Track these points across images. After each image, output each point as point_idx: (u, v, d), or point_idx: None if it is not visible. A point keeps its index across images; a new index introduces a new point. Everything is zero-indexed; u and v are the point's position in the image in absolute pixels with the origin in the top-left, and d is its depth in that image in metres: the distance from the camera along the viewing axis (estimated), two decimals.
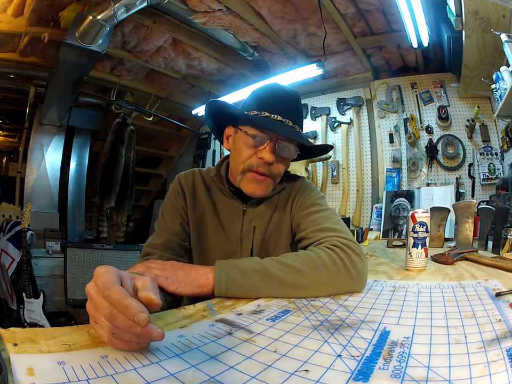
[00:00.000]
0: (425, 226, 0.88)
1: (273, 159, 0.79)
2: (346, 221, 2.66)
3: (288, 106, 0.81)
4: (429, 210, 0.91)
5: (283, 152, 0.80)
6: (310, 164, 2.91)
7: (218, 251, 0.87)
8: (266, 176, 0.81)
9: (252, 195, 0.84)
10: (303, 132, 0.86)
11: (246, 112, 0.81)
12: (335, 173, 2.88)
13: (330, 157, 2.88)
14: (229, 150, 0.89)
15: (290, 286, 0.63)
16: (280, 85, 0.85)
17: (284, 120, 0.79)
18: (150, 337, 0.38)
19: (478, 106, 2.37)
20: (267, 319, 0.52)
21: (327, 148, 0.99)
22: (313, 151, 0.96)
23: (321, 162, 2.94)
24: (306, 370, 0.35)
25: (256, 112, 0.79)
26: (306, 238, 0.79)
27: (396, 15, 2.09)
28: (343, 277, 0.65)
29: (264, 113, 0.78)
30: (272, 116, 0.78)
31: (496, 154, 2.35)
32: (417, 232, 0.88)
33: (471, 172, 2.41)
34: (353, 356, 0.38)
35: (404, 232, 2.15)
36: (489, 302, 0.56)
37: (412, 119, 2.59)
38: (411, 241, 0.89)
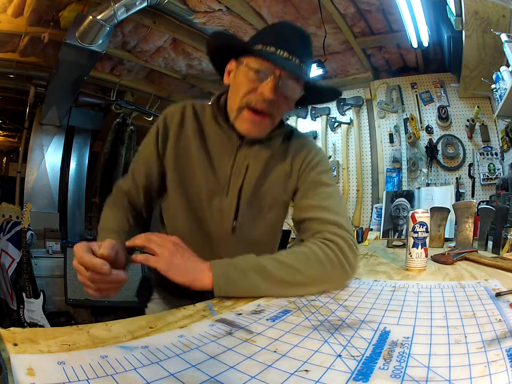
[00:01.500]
0: (425, 226, 0.88)
1: (274, 96, 0.72)
2: None
3: (297, 43, 0.75)
4: (429, 210, 0.91)
5: (286, 90, 0.73)
6: None
7: (203, 188, 0.81)
8: (264, 115, 0.75)
9: (246, 135, 0.78)
10: (309, 73, 0.80)
11: (251, 46, 0.76)
12: (335, 173, 2.88)
13: (330, 157, 2.88)
14: (227, 86, 0.83)
15: (289, 285, 0.63)
16: (291, 23, 0.80)
17: (290, 57, 0.72)
18: (119, 280, 0.60)
19: (478, 106, 2.37)
20: (267, 319, 0.52)
21: (335, 94, 0.90)
22: (319, 96, 0.88)
23: None
24: (306, 370, 0.35)
25: (262, 47, 0.73)
26: (309, 219, 0.76)
27: (396, 15, 2.09)
28: (338, 273, 0.68)
29: (270, 48, 0.72)
30: (278, 51, 0.72)
31: (496, 154, 2.35)
32: (417, 232, 0.88)
33: (471, 172, 2.41)
34: (353, 356, 0.38)
35: (404, 232, 2.15)
36: (489, 302, 0.56)
37: (412, 119, 2.59)
38: (411, 241, 0.89)
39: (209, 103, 0.85)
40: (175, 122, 0.83)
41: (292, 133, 0.88)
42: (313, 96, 0.84)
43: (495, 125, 2.36)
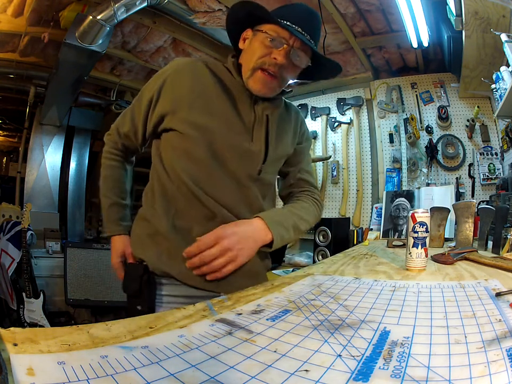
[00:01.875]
0: (425, 226, 0.88)
1: (286, 61, 0.82)
2: (346, 221, 2.66)
3: (310, 22, 0.85)
4: (429, 210, 0.91)
5: (296, 59, 0.83)
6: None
7: (228, 131, 0.85)
8: (275, 77, 0.84)
9: (258, 93, 0.86)
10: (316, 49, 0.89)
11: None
12: (335, 173, 2.88)
13: (330, 157, 2.88)
14: (240, 50, 0.90)
15: (301, 232, 0.93)
16: (305, 4, 0.89)
17: (303, 32, 0.82)
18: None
19: (478, 106, 2.37)
20: (267, 319, 0.52)
21: (336, 69, 0.95)
22: (320, 71, 0.95)
23: (321, 162, 2.94)
24: (306, 370, 0.35)
25: (279, 20, 0.82)
26: (300, 179, 1.02)
27: (396, 15, 2.09)
28: (317, 220, 1.02)
29: (287, 22, 0.81)
30: (294, 26, 0.81)
31: (496, 154, 2.35)
32: (417, 232, 0.88)
33: (471, 171, 2.41)
34: (353, 356, 0.38)
35: (404, 232, 2.15)
36: (489, 302, 0.56)
37: (412, 119, 2.59)
38: (411, 241, 0.89)
39: (229, 56, 0.93)
40: (187, 75, 0.86)
41: (290, 104, 1.04)
42: (316, 70, 0.93)
43: (495, 125, 2.36)
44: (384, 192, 2.42)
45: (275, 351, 0.40)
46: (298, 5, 0.87)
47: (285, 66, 0.83)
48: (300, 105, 3.05)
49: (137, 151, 1.01)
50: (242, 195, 0.87)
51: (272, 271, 2.22)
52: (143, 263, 0.86)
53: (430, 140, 2.52)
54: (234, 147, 0.85)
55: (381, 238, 2.23)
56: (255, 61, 0.83)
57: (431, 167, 2.52)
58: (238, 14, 0.87)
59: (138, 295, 0.82)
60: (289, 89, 0.99)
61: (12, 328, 0.41)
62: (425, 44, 2.25)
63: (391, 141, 2.69)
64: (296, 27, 0.81)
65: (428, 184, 2.47)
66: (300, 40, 0.81)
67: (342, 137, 2.87)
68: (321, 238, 2.41)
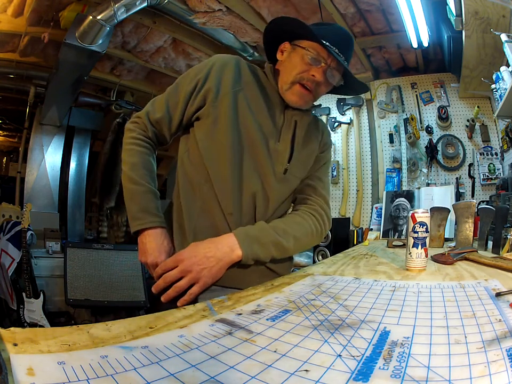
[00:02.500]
0: (425, 226, 0.88)
1: (322, 79, 0.88)
2: (346, 221, 2.66)
3: (346, 45, 0.90)
4: (429, 210, 0.91)
5: (331, 77, 0.89)
6: None
7: (259, 130, 0.89)
8: (310, 92, 0.90)
9: (294, 105, 0.92)
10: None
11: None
12: (335, 173, 2.88)
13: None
14: (274, 59, 0.96)
15: (290, 252, 0.89)
16: (342, 26, 0.98)
17: (339, 54, 0.87)
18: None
19: (478, 106, 2.37)
20: (267, 319, 0.52)
21: (362, 89, 1.09)
22: (349, 89, 1.03)
23: None
24: (306, 370, 0.35)
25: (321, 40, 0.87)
26: (307, 185, 0.97)
27: (396, 15, 2.09)
28: (317, 241, 0.98)
29: (325, 42, 0.85)
30: (332, 47, 0.86)
31: (496, 154, 2.35)
32: (417, 232, 0.88)
33: (471, 172, 2.41)
34: (353, 356, 0.38)
35: (404, 232, 2.15)
36: (489, 302, 0.56)
37: (412, 119, 2.59)
38: (411, 241, 0.89)
39: (267, 63, 0.98)
40: (231, 69, 0.90)
41: (319, 119, 1.09)
42: (344, 86, 0.98)
43: (495, 125, 2.36)
44: (384, 192, 2.43)
45: (275, 351, 0.40)
46: (337, 27, 0.95)
47: (321, 83, 0.89)
48: None
49: (166, 142, 0.97)
50: (267, 194, 0.89)
51: None
52: None
53: (430, 140, 2.52)
54: (262, 143, 0.89)
55: (381, 238, 2.23)
56: (294, 75, 0.88)
57: (431, 167, 2.52)
58: (281, 28, 0.92)
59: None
60: (318, 103, 1.03)
61: (12, 328, 0.41)
62: (425, 44, 2.25)
63: (391, 141, 2.69)
64: (334, 48, 0.86)
65: (427, 184, 2.47)
66: (337, 60, 0.86)
67: (342, 137, 2.87)
68: None
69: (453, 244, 1.54)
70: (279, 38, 0.94)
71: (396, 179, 2.64)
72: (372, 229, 2.49)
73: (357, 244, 2.35)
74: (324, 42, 0.85)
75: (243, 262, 0.79)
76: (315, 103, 0.99)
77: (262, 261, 0.83)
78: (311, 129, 1.00)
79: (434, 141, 2.53)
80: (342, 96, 2.92)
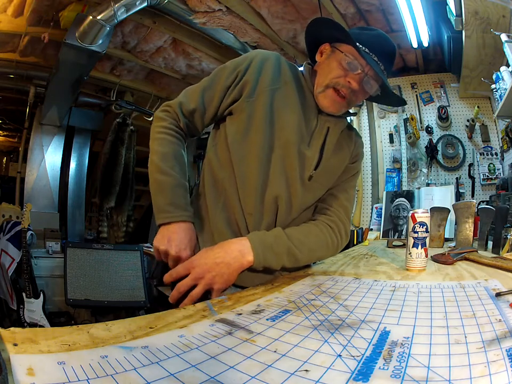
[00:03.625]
0: (425, 226, 0.88)
1: (358, 87, 0.84)
2: None
3: (386, 52, 0.87)
4: (429, 211, 0.91)
5: (367, 86, 0.85)
6: None
7: (294, 133, 0.86)
8: (344, 98, 0.86)
9: (325, 109, 0.88)
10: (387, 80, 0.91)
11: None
12: None
13: None
14: (314, 59, 0.93)
15: (302, 263, 0.86)
16: (384, 33, 0.91)
17: (379, 62, 0.84)
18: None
19: (478, 106, 2.37)
20: (267, 319, 0.52)
21: (400, 103, 1.08)
22: (387, 99, 1.03)
23: None
24: (306, 370, 0.35)
25: (360, 46, 0.83)
26: (328, 207, 0.92)
27: (396, 15, 2.09)
28: (333, 254, 0.94)
29: (365, 49, 0.83)
30: (371, 54, 0.83)
31: (496, 154, 2.35)
32: (417, 232, 0.88)
33: (471, 172, 2.41)
34: (353, 356, 0.38)
35: (404, 232, 2.15)
36: (489, 302, 0.56)
37: (412, 119, 2.59)
38: (411, 241, 0.89)
39: (306, 64, 0.95)
40: (271, 65, 0.88)
41: (355, 129, 1.04)
42: (383, 98, 0.97)
43: (495, 125, 2.36)
44: (384, 192, 2.43)
45: (275, 351, 0.40)
46: (378, 33, 0.90)
47: (356, 91, 0.85)
48: None
49: (198, 134, 0.94)
50: (291, 198, 0.86)
51: None
52: None
53: (430, 140, 2.52)
54: (293, 146, 0.86)
55: (381, 238, 2.23)
56: (330, 79, 0.85)
57: (431, 167, 2.52)
58: (321, 29, 0.90)
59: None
60: (354, 112, 1.00)
61: (11, 328, 0.41)
62: (425, 44, 2.25)
63: (391, 141, 2.69)
64: (373, 55, 0.83)
65: (427, 184, 2.47)
66: (374, 69, 0.83)
67: None
68: None
69: (453, 244, 1.54)
70: (320, 39, 0.91)
71: (395, 179, 2.64)
72: (372, 229, 2.49)
73: (357, 244, 2.35)
74: (361, 47, 0.82)
75: (253, 267, 0.77)
76: (351, 110, 0.96)
77: (272, 269, 0.81)
78: (344, 137, 0.95)
79: (434, 141, 2.53)
80: None
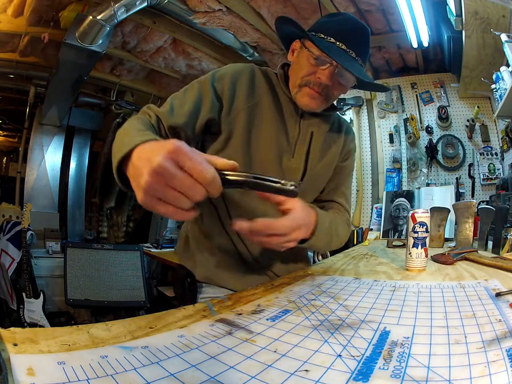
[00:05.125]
0: (425, 226, 0.88)
1: (330, 82, 0.80)
2: None
3: (356, 37, 0.81)
4: (429, 211, 0.91)
5: (341, 78, 0.81)
6: None
7: (273, 145, 0.84)
8: (321, 94, 0.82)
9: (306, 107, 0.85)
10: (364, 65, 0.84)
11: (313, 34, 0.81)
12: None
13: None
14: (289, 62, 0.90)
15: (331, 246, 0.87)
16: (353, 16, 0.85)
17: (348, 50, 0.79)
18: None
19: (478, 106, 2.37)
20: (267, 319, 0.52)
21: (381, 87, 1.06)
22: (369, 86, 0.99)
23: None
24: (306, 370, 0.35)
25: (323, 36, 0.79)
26: (332, 201, 0.94)
27: (396, 15, 2.09)
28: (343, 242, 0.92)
29: (330, 39, 0.78)
30: (338, 43, 0.78)
31: (496, 154, 2.35)
32: (417, 232, 0.88)
33: (471, 172, 2.41)
34: (353, 356, 0.38)
35: (404, 232, 2.15)
36: (489, 302, 0.56)
37: (412, 119, 2.59)
38: (411, 241, 0.89)
39: (279, 71, 0.91)
40: (245, 80, 0.84)
41: (344, 120, 1.00)
42: (365, 86, 0.94)
43: (495, 125, 2.36)
44: (384, 192, 2.43)
45: (275, 351, 0.40)
46: (344, 18, 0.84)
47: (330, 86, 0.81)
48: None
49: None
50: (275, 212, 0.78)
51: None
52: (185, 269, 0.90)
53: (430, 140, 2.52)
54: (275, 162, 0.84)
55: (381, 238, 2.23)
56: (301, 78, 0.82)
57: (431, 167, 2.52)
58: (282, 29, 0.86)
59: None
60: (339, 107, 0.96)
61: (11, 328, 0.41)
62: (425, 44, 2.25)
63: (391, 141, 2.69)
64: (340, 44, 0.78)
65: (427, 184, 2.46)
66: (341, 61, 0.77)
67: None
68: None
69: (453, 244, 1.54)
70: (293, 37, 0.87)
71: (395, 179, 2.64)
72: (372, 229, 2.49)
73: (357, 244, 2.35)
74: (326, 37, 0.77)
75: (306, 244, 0.73)
76: (336, 105, 0.94)
77: (311, 249, 0.84)
78: (331, 136, 0.93)
79: (434, 141, 2.52)
80: (342, 96, 2.91)
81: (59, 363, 0.35)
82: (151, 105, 0.78)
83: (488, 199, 2.18)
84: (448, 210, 1.61)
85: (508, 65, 1.70)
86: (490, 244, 1.32)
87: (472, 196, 2.38)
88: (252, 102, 0.84)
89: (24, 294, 2.35)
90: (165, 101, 0.81)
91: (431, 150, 2.50)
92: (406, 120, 2.64)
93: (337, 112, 0.99)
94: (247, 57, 2.77)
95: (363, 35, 0.83)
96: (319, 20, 0.86)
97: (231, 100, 0.82)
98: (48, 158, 3.19)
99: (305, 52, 0.81)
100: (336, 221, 0.85)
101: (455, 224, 1.64)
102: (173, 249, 2.68)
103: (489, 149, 2.37)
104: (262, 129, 0.84)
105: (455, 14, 1.81)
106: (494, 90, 1.94)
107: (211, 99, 0.79)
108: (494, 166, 2.33)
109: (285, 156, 0.86)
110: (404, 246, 1.28)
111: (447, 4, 1.87)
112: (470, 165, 2.42)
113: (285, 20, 0.83)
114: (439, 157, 2.50)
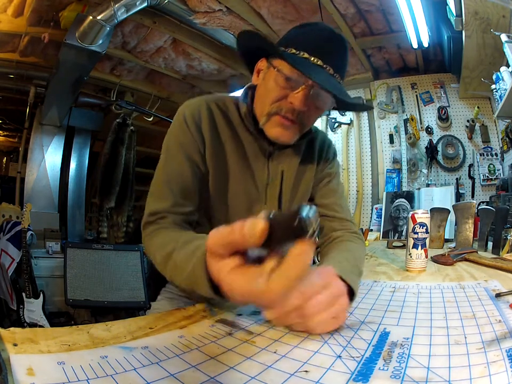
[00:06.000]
0: (425, 227, 0.88)
1: (305, 107, 0.67)
2: None
3: (333, 50, 0.69)
4: (429, 211, 0.91)
5: (318, 101, 0.69)
6: None
7: (242, 197, 0.76)
8: (293, 122, 0.70)
9: (277, 140, 0.73)
10: (343, 82, 0.73)
11: (283, 49, 0.68)
12: None
13: None
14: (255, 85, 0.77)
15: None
16: (327, 25, 0.73)
17: (324, 66, 0.66)
18: None
19: (478, 107, 2.37)
20: (267, 320, 0.51)
21: (364, 107, 0.97)
22: (350, 106, 0.90)
23: None
24: (306, 371, 0.35)
25: (295, 51, 0.66)
26: (327, 216, 0.82)
27: (396, 15, 2.09)
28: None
29: (304, 54, 0.66)
30: (312, 58, 0.66)
31: (496, 155, 2.35)
32: (417, 233, 0.88)
33: (471, 172, 2.41)
34: (353, 357, 0.38)
35: (404, 233, 2.15)
36: (489, 302, 0.56)
37: (412, 120, 2.59)
38: (411, 242, 0.89)
39: (230, 98, 0.79)
40: (205, 122, 0.73)
41: (316, 132, 0.86)
42: (344, 106, 0.83)
43: (495, 125, 2.36)
44: (384, 193, 2.43)
45: (275, 352, 0.40)
46: (318, 28, 0.71)
47: (305, 111, 0.68)
48: None
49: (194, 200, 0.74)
50: None
51: None
52: None
53: (430, 141, 2.52)
54: (248, 211, 0.76)
55: (381, 238, 2.23)
56: (269, 105, 0.69)
57: (431, 167, 2.52)
58: (247, 45, 0.74)
59: None
60: (313, 132, 0.84)
61: (11, 328, 0.41)
62: (425, 44, 2.25)
63: (391, 141, 2.69)
64: (316, 59, 0.65)
65: (427, 185, 2.47)
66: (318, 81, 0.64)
67: (342, 138, 2.87)
68: None
69: (453, 245, 1.54)
70: (255, 54, 0.73)
71: (395, 180, 2.64)
72: (372, 230, 2.49)
73: None
74: (298, 53, 0.65)
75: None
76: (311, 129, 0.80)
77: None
78: (304, 163, 0.83)
79: (434, 142, 2.53)
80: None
81: (59, 363, 0.35)
82: (152, 212, 0.68)
83: (488, 200, 2.18)
84: (448, 211, 1.61)
85: (508, 66, 1.70)
86: (490, 244, 1.32)
87: (472, 196, 2.38)
88: (217, 149, 0.74)
89: (24, 294, 2.35)
90: (161, 153, 0.74)
91: (431, 150, 2.50)
92: (406, 121, 2.64)
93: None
94: None
95: (341, 47, 0.71)
96: (289, 32, 0.73)
97: (202, 152, 0.73)
98: (48, 158, 3.18)
99: (273, 72, 0.68)
100: (355, 256, 0.69)
101: (455, 224, 1.64)
102: None
103: (489, 149, 2.37)
104: (230, 179, 0.75)
105: (455, 14, 1.81)
106: (494, 91, 1.94)
107: (196, 148, 0.72)
108: (494, 166, 2.33)
109: (257, 204, 0.77)
110: (403, 246, 1.28)
111: (447, 4, 1.87)
112: (470, 166, 2.42)
113: (248, 35, 0.71)
114: (439, 157, 2.50)
